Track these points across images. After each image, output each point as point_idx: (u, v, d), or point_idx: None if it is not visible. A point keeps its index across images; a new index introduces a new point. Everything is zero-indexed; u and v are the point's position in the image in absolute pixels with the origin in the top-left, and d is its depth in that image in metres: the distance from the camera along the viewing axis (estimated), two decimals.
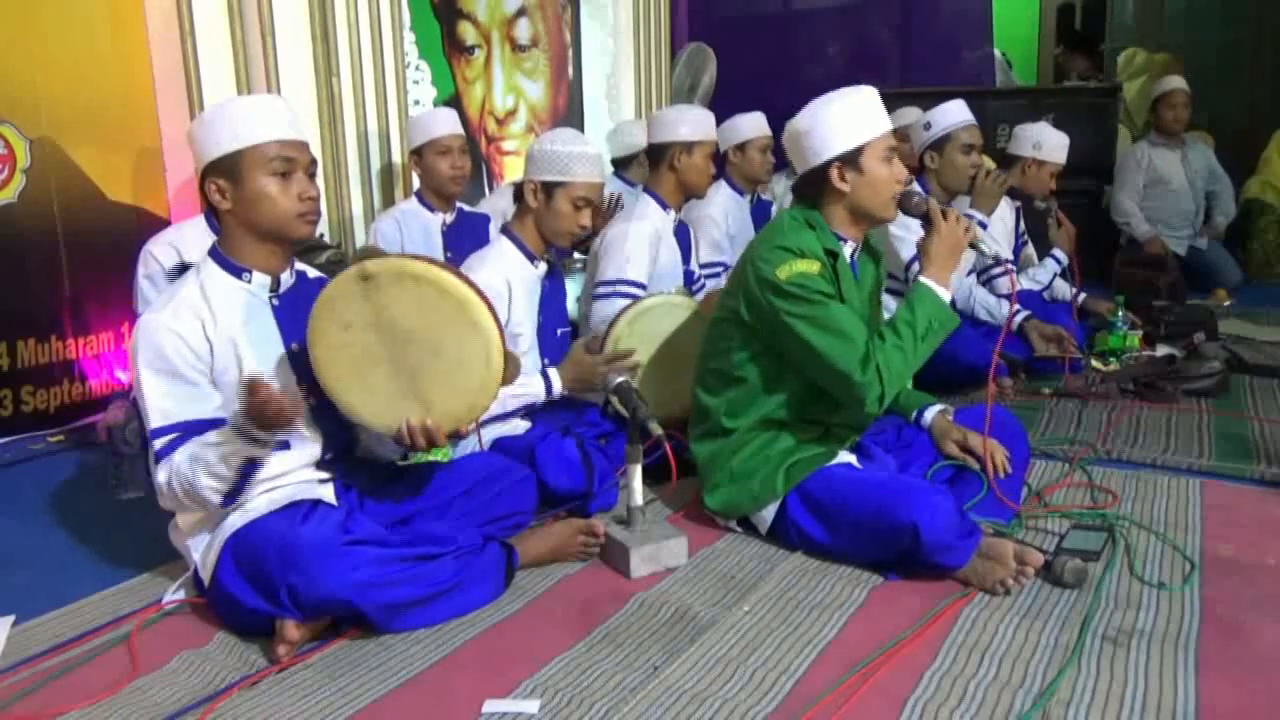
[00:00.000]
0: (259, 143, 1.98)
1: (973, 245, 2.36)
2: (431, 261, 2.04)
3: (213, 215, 2.12)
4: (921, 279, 2.30)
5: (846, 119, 2.27)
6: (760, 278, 2.28)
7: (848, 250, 2.36)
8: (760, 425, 2.38)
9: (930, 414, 2.52)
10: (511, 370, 2.07)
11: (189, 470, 1.90)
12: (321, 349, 1.99)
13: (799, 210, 2.37)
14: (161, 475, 1.95)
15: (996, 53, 7.55)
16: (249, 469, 1.91)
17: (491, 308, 2.04)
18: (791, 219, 2.35)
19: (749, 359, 2.37)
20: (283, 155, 2.00)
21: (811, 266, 2.24)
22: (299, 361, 2.08)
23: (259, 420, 1.80)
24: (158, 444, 1.95)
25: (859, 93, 2.31)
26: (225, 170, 1.99)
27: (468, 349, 2.01)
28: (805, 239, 2.28)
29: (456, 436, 2.09)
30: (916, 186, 2.37)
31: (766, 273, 2.26)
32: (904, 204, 2.34)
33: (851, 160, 2.27)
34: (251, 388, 1.80)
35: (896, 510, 2.08)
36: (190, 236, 3.00)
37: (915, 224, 3.19)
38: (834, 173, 2.28)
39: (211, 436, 1.92)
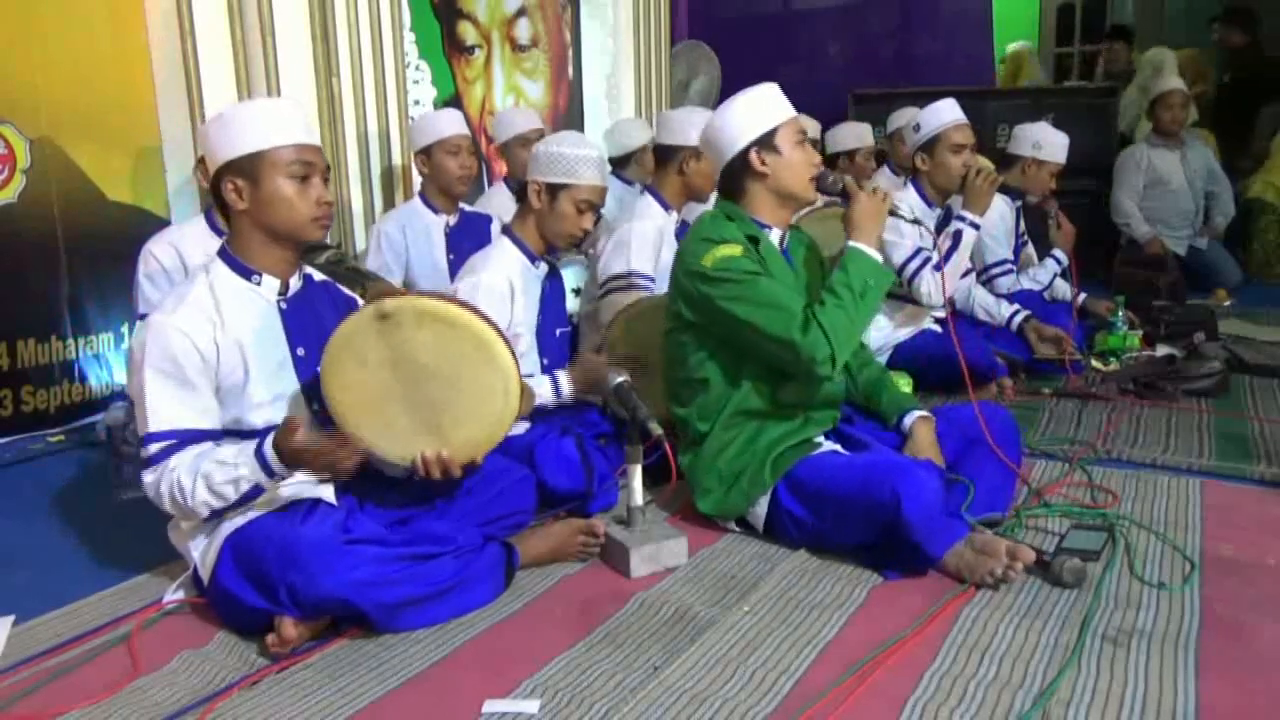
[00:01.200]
0: (279, 145, 1.99)
1: (892, 212, 2.44)
2: (446, 299, 2.07)
3: (221, 215, 2.11)
4: (850, 243, 2.36)
5: (755, 108, 2.40)
6: (689, 271, 2.35)
7: (774, 237, 2.43)
8: (735, 420, 2.39)
9: (910, 420, 2.50)
10: (526, 403, 2.08)
11: (189, 481, 1.91)
12: (336, 388, 1.99)
13: (718, 207, 2.47)
14: (149, 478, 1.96)
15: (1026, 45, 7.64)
16: (252, 494, 1.93)
17: (506, 339, 2.06)
18: (711, 216, 2.45)
19: (706, 358, 2.40)
20: (301, 159, 2.01)
21: (733, 250, 2.31)
22: (304, 366, 2.09)
23: (293, 462, 1.89)
24: (151, 449, 1.95)
25: (762, 86, 2.43)
26: (243, 170, 1.99)
27: (486, 384, 2.02)
28: (725, 229, 2.37)
29: (471, 467, 2.09)
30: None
31: (693, 265, 2.33)
32: (821, 184, 2.43)
33: (767, 143, 2.37)
34: (288, 426, 1.87)
35: (882, 483, 2.10)
36: (191, 236, 3.01)
37: (907, 228, 3.23)
38: (754, 157, 2.38)
39: (224, 454, 1.94)
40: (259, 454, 1.90)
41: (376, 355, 1.98)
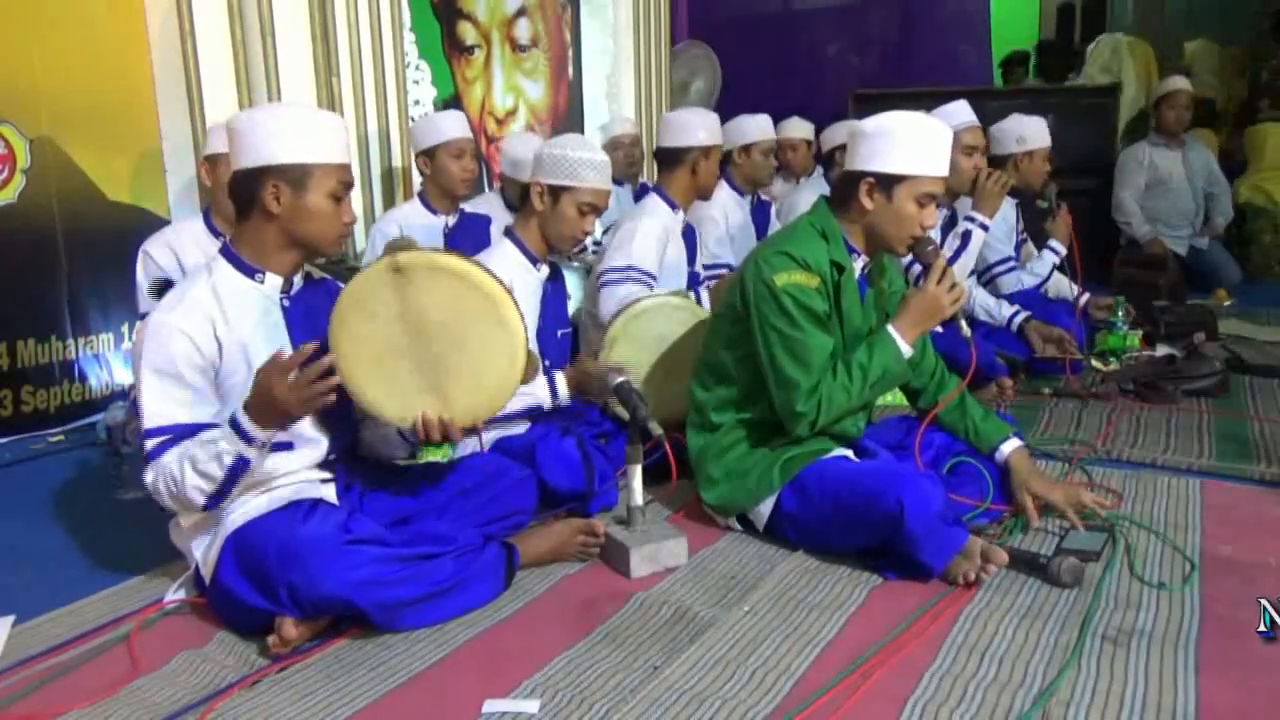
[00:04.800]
0: (333, 162, 2.02)
1: (952, 318, 2.31)
2: (463, 256, 2.05)
3: (233, 211, 2.07)
4: (890, 328, 2.30)
5: (905, 143, 2.21)
6: (759, 274, 2.30)
7: (858, 265, 2.36)
8: (747, 423, 2.39)
9: (1008, 450, 2.43)
10: (531, 370, 2.08)
11: (178, 469, 1.90)
12: (344, 341, 1.97)
13: (818, 217, 2.35)
14: (150, 475, 1.96)
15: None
16: (237, 469, 1.90)
17: (518, 305, 2.04)
18: (808, 224, 2.35)
19: (741, 359, 2.38)
20: (344, 180, 2.04)
21: (810, 281, 2.25)
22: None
23: (259, 410, 1.85)
24: (149, 444, 1.95)
25: (930, 126, 2.25)
26: (292, 177, 1.98)
27: (493, 345, 2.01)
28: (813, 249, 2.28)
29: (471, 432, 2.08)
30: (935, 236, 2.29)
31: (766, 273, 2.28)
32: (917, 248, 2.31)
33: (886, 184, 2.24)
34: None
35: (885, 489, 2.09)
36: (187, 237, 3.00)
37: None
38: (864, 186, 2.26)
39: (205, 434, 1.93)
40: (234, 421, 1.89)
41: (387, 309, 1.96)
